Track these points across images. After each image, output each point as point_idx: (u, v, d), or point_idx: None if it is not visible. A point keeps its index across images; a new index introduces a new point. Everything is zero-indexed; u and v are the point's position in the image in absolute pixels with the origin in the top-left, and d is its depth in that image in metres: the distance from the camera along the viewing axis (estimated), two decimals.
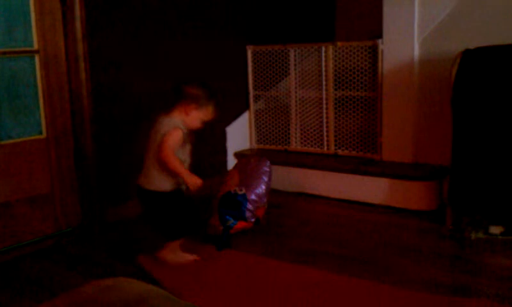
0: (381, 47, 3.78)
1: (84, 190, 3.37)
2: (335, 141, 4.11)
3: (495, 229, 3.01)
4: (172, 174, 2.64)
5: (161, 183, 2.67)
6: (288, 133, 4.38)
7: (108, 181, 3.46)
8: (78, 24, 3.21)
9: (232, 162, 4.34)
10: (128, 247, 3.09)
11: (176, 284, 2.56)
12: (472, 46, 3.08)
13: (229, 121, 4.42)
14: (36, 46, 3.14)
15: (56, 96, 3.24)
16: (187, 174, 2.64)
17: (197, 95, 2.68)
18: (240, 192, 3.20)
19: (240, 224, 3.16)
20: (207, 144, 4.08)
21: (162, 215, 2.73)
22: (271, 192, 3.48)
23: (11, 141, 3.08)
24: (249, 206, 3.18)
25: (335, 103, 4.07)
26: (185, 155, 2.70)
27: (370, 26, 4.15)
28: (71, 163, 3.33)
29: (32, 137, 3.18)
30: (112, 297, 1.23)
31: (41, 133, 3.22)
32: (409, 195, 3.55)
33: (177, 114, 2.69)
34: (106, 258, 2.98)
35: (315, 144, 4.23)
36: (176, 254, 2.80)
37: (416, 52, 3.68)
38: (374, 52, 3.83)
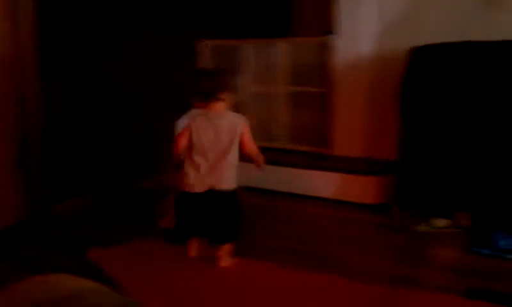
0: (333, 43, 3.82)
1: (29, 185, 3.29)
2: (288, 135, 4.14)
3: (440, 222, 3.10)
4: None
5: (233, 180, 2.63)
6: None
7: (54, 176, 3.38)
8: (29, 19, 3.12)
9: None
10: (75, 243, 3.04)
11: (128, 279, 2.53)
12: (422, 43, 3.15)
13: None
14: None
15: (1, 86, 3.14)
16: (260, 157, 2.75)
17: (229, 81, 2.68)
18: None
19: None
20: (163, 138, 4.04)
21: (233, 215, 2.66)
22: None
23: None
24: None
25: (289, 99, 4.10)
26: None
27: (325, 23, 4.19)
28: (14, 155, 3.24)
29: None
30: (47, 293, 1.21)
31: None
32: (359, 189, 3.61)
33: (223, 106, 2.63)
34: (51, 254, 2.92)
35: (268, 139, 4.25)
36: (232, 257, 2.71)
37: (368, 48, 3.74)
38: (327, 48, 3.87)
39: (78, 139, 3.51)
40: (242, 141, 2.64)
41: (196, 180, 2.59)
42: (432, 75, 3.06)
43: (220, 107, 2.62)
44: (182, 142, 2.58)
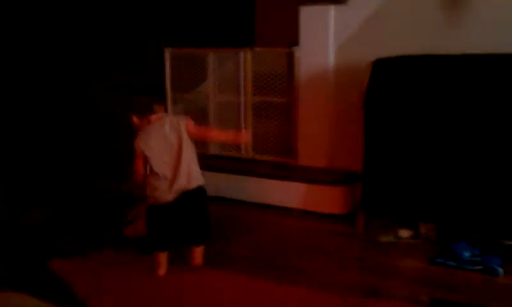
0: (297, 54, 3.84)
1: None
2: (253, 145, 4.13)
3: (404, 233, 3.14)
4: None
5: (200, 175, 2.75)
6: None
7: (15, 186, 3.28)
8: None
9: None
10: (36, 253, 2.95)
11: (89, 289, 2.48)
12: (384, 55, 3.20)
13: None
14: None
15: None
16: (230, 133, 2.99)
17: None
18: None
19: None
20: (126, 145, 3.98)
21: (206, 212, 2.78)
22: None
23: None
24: None
25: (253, 108, 4.09)
26: None
27: (289, 33, 4.20)
28: None
29: None
30: None
31: None
32: (323, 199, 3.63)
33: (159, 115, 2.76)
34: (10, 265, 2.82)
35: (233, 148, 4.24)
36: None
37: (332, 59, 3.77)
38: (290, 59, 3.88)
39: (34, 148, 3.41)
40: (193, 132, 2.73)
41: (165, 191, 2.64)
42: (394, 86, 3.11)
43: (157, 117, 2.74)
44: (141, 168, 2.68)
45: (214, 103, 4.27)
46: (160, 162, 2.65)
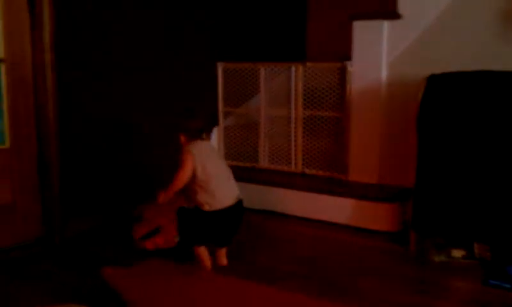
0: (349, 69, 3.83)
1: (47, 202, 3.30)
2: (303, 159, 4.13)
3: (457, 253, 3.06)
4: None
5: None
6: (257, 151, 4.39)
7: (71, 193, 3.39)
8: (46, 34, 3.15)
9: None
10: (90, 261, 3.04)
11: (139, 298, 2.53)
12: (438, 71, 3.15)
13: None
14: (2, 54, 3.09)
15: (20, 105, 3.18)
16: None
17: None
18: None
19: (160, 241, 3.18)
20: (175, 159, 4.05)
21: (241, 222, 2.93)
22: None
23: None
24: None
25: (304, 123, 4.10)
26: None
27: (341, 48, 4.20)
28: (34, 174, 3.27)
29: None
30: None
31: (4, 143, 3.15)
32: (374, 216, 3.58)
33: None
34: (67, 272, 2.92)
35: (283, 162, 4.25)
36: None
37: (384, 74, 3.74)
38: (342, 74, 3.88)
39: (93, 159, 3.52)
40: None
41: (223, 197, 2.79)
42: (448, 102, 3.05)
43: (205, 142, 2.93)
44: (186, 177, 2.76)
45: (264, 117, 4.30)
46: (214, 173, 2.78)
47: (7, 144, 3.15)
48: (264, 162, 4.35)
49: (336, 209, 3.73)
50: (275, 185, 4.02)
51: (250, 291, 2.67)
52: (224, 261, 2.96)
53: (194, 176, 2.75)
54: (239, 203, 2.85)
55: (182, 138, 2.88)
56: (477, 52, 3.40)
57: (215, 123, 3.35)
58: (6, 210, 3.16)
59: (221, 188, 2.79)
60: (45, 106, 3.21)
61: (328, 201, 3.76)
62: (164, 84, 4.01)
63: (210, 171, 2.76)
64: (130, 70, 3.72)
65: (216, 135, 4.57)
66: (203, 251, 2.89)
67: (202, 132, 2.89)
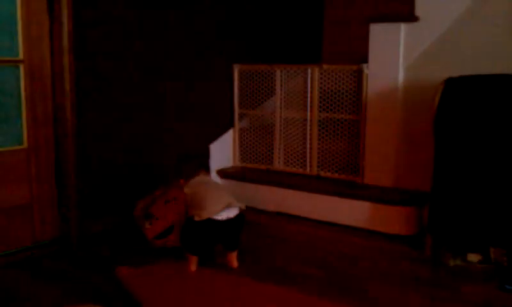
0: (366, 71, 3.81)
1: (64, 202, 3.34)
2: (318, 162, 4.13)
3: (473, 257, 3.04)
4: None
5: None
6: (272, 153, 4.39)
7: (88, 194, 3.42)
8: (65, 36, 3.19)
9: (215, 179, 4.32)
10: (105, 261, 3.07)
11: (153, 298, 2.55)
12: (455, 74, 3.13)
13: (213, 138, 4.41)
14: (21, 56, 3.13)
15: (39, 107, 3.22)
16: None
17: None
18: None
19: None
20: (191, 160, 4.07)
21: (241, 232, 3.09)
22: (252, 210, 3.47)
23: None
24: None
25: (319, 125, 4.09)
26: None
27: (357, 50, 4.19)
28: (51, 174, 3.30)
29: (13, 148, 3.15)
30: None
31: (22, 143, 3.19)
32: (389, 219, 3.57)
33: None
34: (83, 271, 2.95)
35: (297, 164, 4.25)
36: None
37: (401, 77, 3.72)
38: (359, 76, 3.86)
39: (109, 161, 3.56)
40: None
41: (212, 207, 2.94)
42: (465, 106, 3.03)
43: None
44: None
45: (280, 119, 4.30)
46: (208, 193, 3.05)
47: (25, 145, 3.19)
48: (278, 164, 4.35)
49: (351, 212, 3.72)
50: (290, 187, 4.02)
51: (264, 292, 2.68)
52: (234, 263, 3.02)
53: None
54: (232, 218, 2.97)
55: (181, 182, 3.24)
56: (495, 55, 3.37)
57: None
58: (24, 210, 3.20)
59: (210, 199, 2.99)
60: (63, 107, 3.25)
61: (343, 204, 3.75)
62: (182, 87, 4.03)
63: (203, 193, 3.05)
64: (149, 71, 3.75)
65: (231, 136, 4.58)
66: (193, 257, 2.96)
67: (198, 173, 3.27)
